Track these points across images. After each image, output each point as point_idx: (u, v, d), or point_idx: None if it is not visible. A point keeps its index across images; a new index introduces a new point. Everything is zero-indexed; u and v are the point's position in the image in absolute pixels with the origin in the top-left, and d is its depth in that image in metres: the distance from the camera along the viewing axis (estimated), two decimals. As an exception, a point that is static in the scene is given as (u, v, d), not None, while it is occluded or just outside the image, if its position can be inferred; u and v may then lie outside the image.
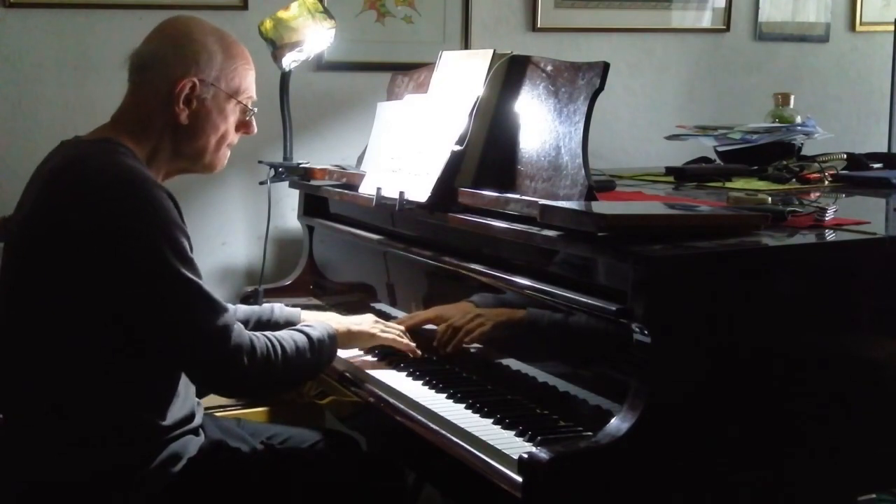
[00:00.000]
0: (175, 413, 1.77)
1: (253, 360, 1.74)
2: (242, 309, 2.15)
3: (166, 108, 1.82)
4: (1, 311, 1.78)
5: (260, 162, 2.68)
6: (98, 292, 1.66)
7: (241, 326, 1.76)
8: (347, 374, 2.08)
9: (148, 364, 1.73)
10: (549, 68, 1.99)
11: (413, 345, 2.09)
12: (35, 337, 1.72)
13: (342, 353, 2.07)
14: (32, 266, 1.72)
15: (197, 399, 1.90)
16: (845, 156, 2.85)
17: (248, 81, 1.91)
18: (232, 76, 1.87)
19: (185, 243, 1.71)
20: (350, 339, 2.06)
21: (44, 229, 1.70)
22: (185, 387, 1.83)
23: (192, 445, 1.80)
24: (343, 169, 2.54)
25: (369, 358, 2.14)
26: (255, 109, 1.94)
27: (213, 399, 2.47)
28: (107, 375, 1.70)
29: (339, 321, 2.08)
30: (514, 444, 1.60)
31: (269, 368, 1.77)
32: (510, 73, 2.07)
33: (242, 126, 1.93)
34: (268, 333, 1.82)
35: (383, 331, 2.08)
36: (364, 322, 2.10)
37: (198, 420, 1.85)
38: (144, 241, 1.66)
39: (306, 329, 1.91)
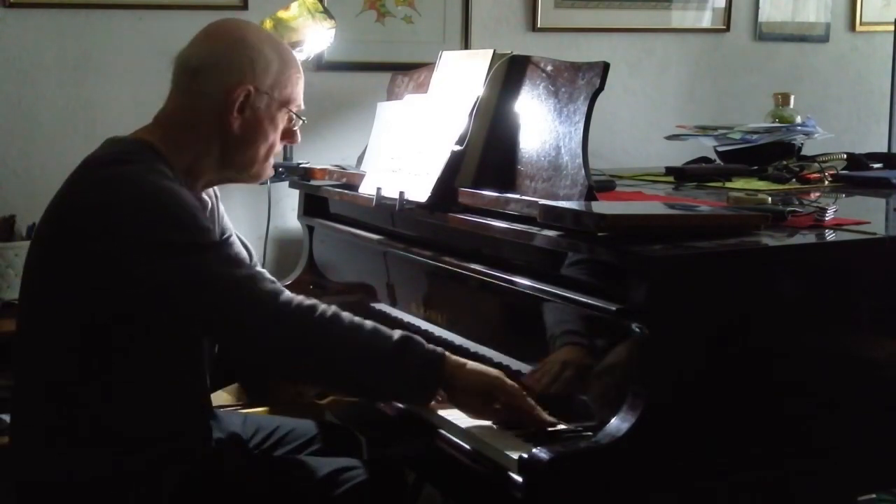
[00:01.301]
0: (178, 415, 1.77)
1: (300, 306, 1.64)
2: None
3: (218, 116, 1.76)
4: (22, 310, 1.77)
5: (260, 162, 2.68)
6: (111, 292, 1.65)
7: (279, 285, 1.69)
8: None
9: (153, 366, 1.72)
10: (549, 68, 1.99)
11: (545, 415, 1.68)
12: (44, 338, 1.71)
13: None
14: (47, 267, 1.71)
15: (206, 402, 1.89)
16: (845, 156, 2.85)
17: (299, 90, 1.86)
18: (285, 84, 1.81)
19: (197, 228, 1.66)
20: (480, 380, 1.69)
21: (59, 229, 1.70)
22: (192, 389, 1.82)
23: (195, 451, 1.78)
24: (343, 169, 2.54)
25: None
26: (305, 120, 1.90)
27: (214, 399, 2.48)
28: (112, 378, 1.70)
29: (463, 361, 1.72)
30: (514, 444, 1.60)
31: (304, 324, 1.64)
32: (510, 73, 2.07)
33: (287, 135, 1.87)
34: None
35: (514, 386, 1.68)
36: (494, 372, 1.73)
37: (202, 423, 1.85)
38: (151, 230, 1.62)
39: (405, 332, 1.70)
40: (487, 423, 1.70)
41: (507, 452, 1.55)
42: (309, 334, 1.65)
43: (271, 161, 1.87)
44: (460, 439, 1.67)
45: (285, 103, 1.82)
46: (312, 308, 1.66)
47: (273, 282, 1.70)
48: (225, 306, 1.63)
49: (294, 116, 1.86)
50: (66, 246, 1.67)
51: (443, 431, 1.72)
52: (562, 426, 1.65)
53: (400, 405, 1.84)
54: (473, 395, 1.68)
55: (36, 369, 1.73)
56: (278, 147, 1.87)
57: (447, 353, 1.70)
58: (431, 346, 1.70)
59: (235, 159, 1.81)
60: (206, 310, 1.64)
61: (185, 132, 1.77)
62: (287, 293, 1.67)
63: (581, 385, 1.70)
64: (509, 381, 1.69)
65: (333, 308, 1.69)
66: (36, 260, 1.74)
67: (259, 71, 1.77)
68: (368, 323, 1.69)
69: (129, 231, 1.62)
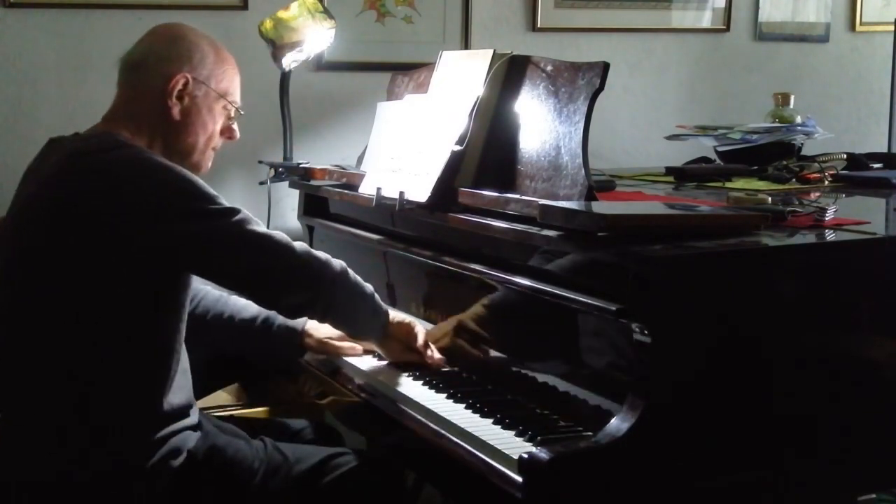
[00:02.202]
0: (175, 406, 1.78)
1: (317, 258, 1.86)
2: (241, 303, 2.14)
3: (159, 104, 1.85)
4: None
5: (260, 162, 2.68)
6: (125, 273, 1.69)
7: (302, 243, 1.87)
8: (348, 374, 2.08)
9: (144, 357, 1.74)
10: (549, 68, 1.99)
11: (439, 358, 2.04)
12: (33, 334, 1.73)
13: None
14: (35, 260, 1.72)
15: (192, 394, 1.89)
16: (845, 156, 2.85)
17: (236, 86, 1.96)
18: (221, 77, 1.92)
19: (205, 186, 1.77)
20: (401, 329, 2.02)
21: (64, 222, 1.70)
22: (185, 380, 1.84)
23: (191, 440, 1.80)
24: (343, 169, 2.54)
25: (371, 359, 2.14)
26: (242, 113, 1.97)
27: (207, 400, 2.48)
28: (105, 371, 1.71)
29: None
30: (514, 444, 1.60)
31: (340, 274, 1.89)
32: (510, 73, 2.07)
33: (226, 131, 1.96)
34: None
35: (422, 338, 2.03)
36: (419, 328, 2.04)
37: (195, 415, 1.86)
38: (176, 202, 1.72)
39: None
40: (487, 422, 1.71)
41: (507, 452, 1.55)
42: (324, 281, 1.87)
43: (210, 154, 1.95)
44: (460, 439, 1.67)
45: (222, 95, 1.92)
46: (327, 262, 1.89)
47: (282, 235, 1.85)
48: (260, 260, 1.79)
49: (232, 112, 1.95)
50: (83, 235, 1.69)
51: (443, 431, 1.72)
52: (447, 368, 1.99)
53: (399, 405, 1.86)
54: (398, 341, 2.02)
55: (21, 367, 1.74)
56: (218, 141, 1.96)
57: (388, 310, 2.01)
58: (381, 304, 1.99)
59: (177, 147, 1.88)
60: (242, 265, 1.79)
61: (133, 125, 1.85)
62: (298, 245, 1.86)
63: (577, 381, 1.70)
64: (419, 330, 2.02)
65: (338, 263, 1.90)
66: (17, 259, 1.75)
67: (196, 62, 1.88)
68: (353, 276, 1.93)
69: (161, 206, 1.71)
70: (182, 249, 1.74)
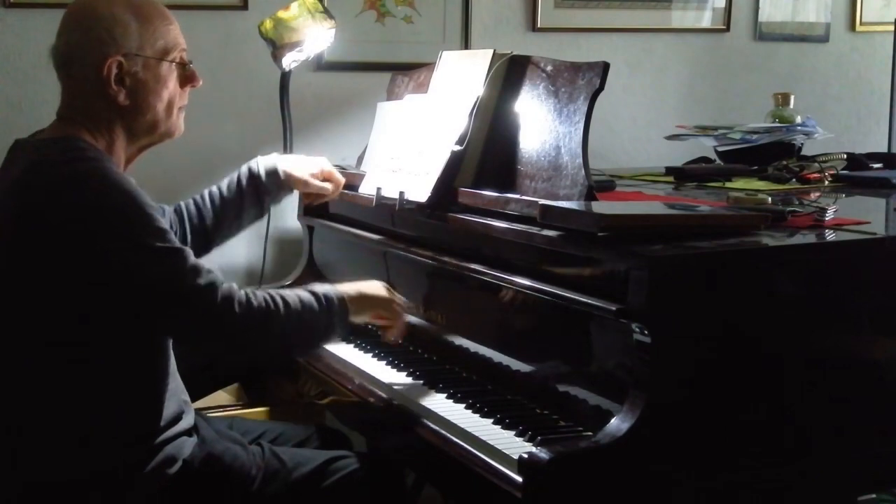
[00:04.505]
0: (167, 412, 1.77)
1: (249, 307, 1.71)
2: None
3: (103, 95, 1.75)
4: None
5: (260, 162, 2.67)
6: (81, 287, 1.65)
7: (234, 285, 1.73)
8: (348, 374, 2.08)
9: (137, 361, 1.73)
10: (549, 68, 1.99)
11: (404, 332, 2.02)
12: (20, 339, 1.71)
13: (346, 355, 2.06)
14: (12, 268, 1.69)
15: (186, 399, 1.89)
16: (845, 156, 2.85)
17: (173, 37, 1.81)
18: (153, 39, 1.78)
19: (160, 220, 1.69)
20: (363, 303, 1.92)
21: (19, 233, 1.68)
22: (175, 385, 1.82)
23: (186, 447, 1.79)
24: (343, 169, 2.54)
25: (372, 358, 2.14)
26: (191, 61, 1.86)
27: (207, 400, 2.48)
28: (96, 376, 1.70)
29: (347, 286, 1.93)
30: (514, 444, 1.60)
31: (269, 316, 1.74)
32: (510, 73, 2.07)
33: (186, 81, 1.85)
34: (270, 291, 1.79)
35: (395, 296, 1.99)
36: (375, 287, 1.99)
37: (190, 421, 1.84)
38: (119, 223, 1.65)
39: (309, 286, 1.86)
40: (487, 422, 1.71)
41: (507, 452, 1.55)
42: (263, 327, 1.75)
43: (178, 115, 1.86)
44: (460, 439, 1.67)
45: (162, 56, 1.79)
46: (261, 304, 1.75)
47: (213, 279, 1.71)
48: (186, 313, 1.70)
49: (184, 62, 1.84)
50: (41, 249, 1.65)
51: (443, 431, 1.72)
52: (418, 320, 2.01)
53: (399, 405, 1.86)
54: (375, 305, 1.95)
55: (12, 371, 1.72)
56: (181, 99, 1.85)
57: (344, 295, 1.87)
58: (335, 296, 1.86)
59: (138, 128, 1.80)
60: (167, 314, 1.70)
61: (89, 122, 1.77)
62: (230, 292, 1.71)
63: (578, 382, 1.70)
64: (384, 295, 1.97)
65: (269, 295, 1.77)
66: None
67: (119, 37, 1.75)
68: (291, 296, 1.80)
69: (105, 230, 1.65)
70: (112, 277, 1.65)
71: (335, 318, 1.85)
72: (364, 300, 1.92)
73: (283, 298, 1.77)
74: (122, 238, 1.65)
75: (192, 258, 1.70)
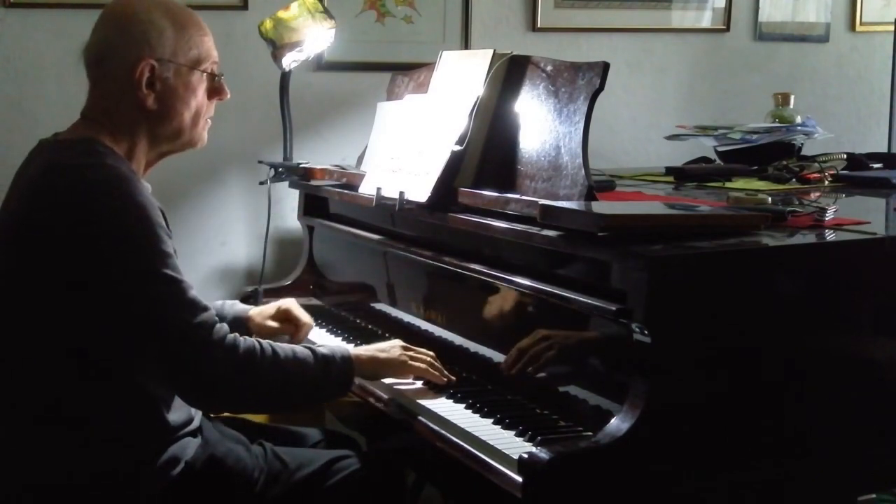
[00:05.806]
0: (174, 415, 1.76)
1: (234, 356, 1.67)
2: None
3: (131, 97, 1.75)
4: None
5: (260, 162, 2.68)
6: (82, 292, 1.64)
7: (226, 326, 1.70)
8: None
9: (137, 380, 1.71)
10: (549, 68, 1.99)
11: (445, 372, 1.93)
12: (25, 340, 1.70)
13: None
14: (25, 268, 1.69)
15: None
16: (845, 156, 2.85)
17: (207, 47, 1.82)
18: (188, 47, 1.78)
19: (167, 243, 1.67)
20: (377, 366, 1.91)
21: (30, 236, 1.67)
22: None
23: (190, 447, 1.78)
24: (343, 169, 2.54)
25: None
26: (223, 74, 1.86)
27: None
28: (103, 377, 1.69)
29: (363, 349, 1.94)
30: (514, 444, 1.60)
31: (253, 370, 1.69)
32: (510, 73, 2.07)
33: (215, 93, 1.85)
34: (262, 340, 1.76)
35: (413, 358, 1.93)
36: (392, 349, 1.94)
37: (196, 422, 1.84)
38: (126, 241, 1.63)
39: (313, 346, 1.84)
40: (487, 422, 1.71)
41: (507, 452, 1.55)
42: (246, 374, 1.70)
43: (203, 125, 1.85)
44: (460, 439, 1.67)
45: (194, 65, 1.79)
46: (248, 349, 1.70)
47: (206, 319, 1.67)
48: (168, 345, 1.65)
49: (214, 74, 1.84)
50: (51, 252, 1.65)
51: (443, 431, 1.72)
52: (452, 378, 1.92)
53: (399, 405, 1.87)
54: (389, 370, 1.92)
55: (18, 371, 1.72)
56: (208, 109, 1.85)
57: (351, 355, 1.85)
58: (330, 347, 1.84)
59: (163, 134, 1.80)
60: (149, 341, 1.66)
61: (112, 124, 1.77)
62: (219, 334, 1.67)
63: (575, 379, 1.70)
64: (398, 356, 1.92)
65: (259, 343, 1.73)
66: (9, 265, 1.70)
67: (154, 42, 1.75)
68: (283, 345, 1.78)
69: (111, 233, 1.63)
70: (110, 289, 1.63)
71: (332, 376, 1.80)
72: (375, 363, 1.90)
73: (273, 348, 1.74)
74: (125, 255, 1.63)
75: (191, 292, 1.67)
